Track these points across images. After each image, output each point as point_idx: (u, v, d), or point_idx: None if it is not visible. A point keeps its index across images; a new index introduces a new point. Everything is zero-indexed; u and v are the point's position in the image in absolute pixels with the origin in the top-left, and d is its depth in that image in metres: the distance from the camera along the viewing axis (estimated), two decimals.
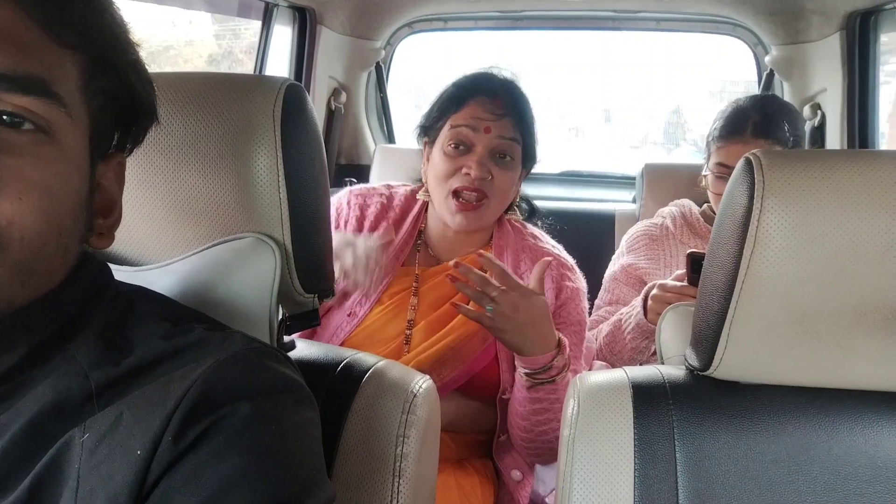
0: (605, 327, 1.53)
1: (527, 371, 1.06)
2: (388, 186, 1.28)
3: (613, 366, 1.56)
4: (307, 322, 0.80)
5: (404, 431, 0.70)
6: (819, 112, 1.85)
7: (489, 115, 1.12)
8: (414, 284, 1.17)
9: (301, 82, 1.89)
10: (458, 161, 1.13)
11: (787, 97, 1.99)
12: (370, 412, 0.72)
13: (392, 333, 1.14)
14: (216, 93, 0.71)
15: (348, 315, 1.15)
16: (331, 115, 2.06)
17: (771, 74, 2.05)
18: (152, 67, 0.61)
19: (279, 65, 1.88)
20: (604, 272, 1.71)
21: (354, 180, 2.15)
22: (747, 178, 0.65)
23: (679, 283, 1.31)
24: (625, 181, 2.39)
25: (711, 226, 1.63)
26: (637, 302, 1.44)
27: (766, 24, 1.95)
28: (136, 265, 0.74)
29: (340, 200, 1.23)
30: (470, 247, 1.22)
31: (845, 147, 1.72)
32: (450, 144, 1.14)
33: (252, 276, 0.70)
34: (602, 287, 1.69)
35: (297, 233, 0.71)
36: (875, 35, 1.66)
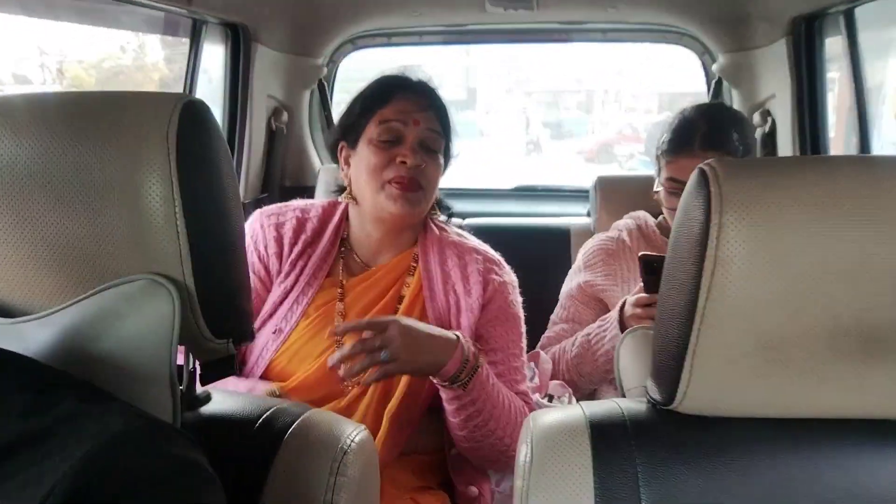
0: (569, 347, 1.46)
1: (444, 385, 1.04)
2: (304, 202, 1.25)
3: (580, 388, 1.49)
4: (222, 370, 0.71)
5: (332, 497, 0.61)
6: (769, 118, 1.83)
7: (416, 107, 1.13)
8: (339, 291, 1.15)
9: (237, 103, 1.79)
10: (390, 152, 1.12)
11: (736, 104, 1.97)
12: (293, 474, 0.63)
13: (320, 348, 1.09)
14: (102, 114, 0.62)
15: (273, 332, 1.11)
16: (272, 135, 1.96)
17: (719, 82, 2.04)
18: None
19: (214, 85, 1.78)
20: (560, 288, 1.65)
21: None
22: (702, 191, 0.58)
23: (647, 295, 1.25)
24: (579, 194, 2.35)
25: (668, 237, 1.59)
26: (611, 318, 1.37)
27: (713, 31, 1.93)
28: (10, 316, 0.64)
29: (253, 225, 1.20)
30: (396, 249, 1.20)
31: (797, 153, 1.70)
32: (381, 138, 1.12)
33: (146, 324, 0.60)
34: (558, 303, 1.62)
35: (201, 270, 0.62)
36: (821, 39, 1.65)
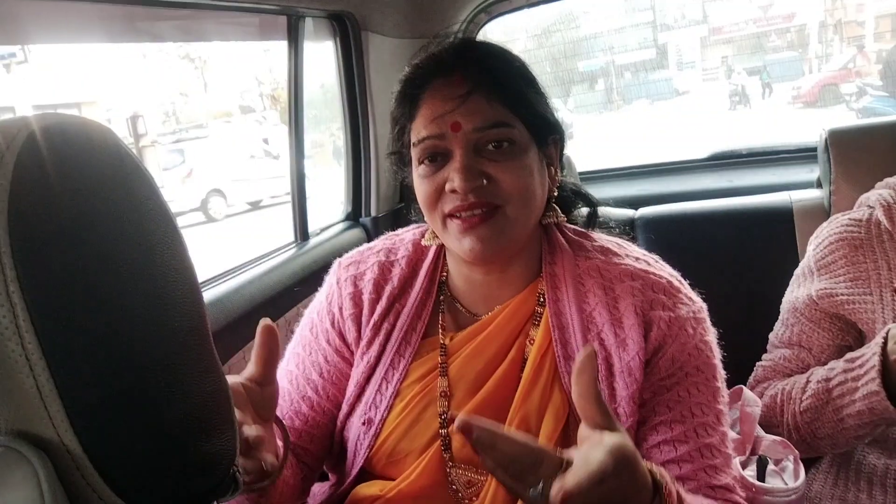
0: (798, 393, 1.01)
1: None
2: (392, 235, 0.97)
3: (815, 449, 1.03)
4: None
5: None
6: None
7: (451, 104, 0.77)
8: (440, 358, 0.84)
9: (356, 104, 1.57)
10: (437, 178, 0.79)
11: None
12: None
13: (423, 440, 0.81)
14: None
15: (363, 424, 0.85)
16: None
17: None
18: None
19: (329, 85, 1.58)
20: (782, 293, 1.18)
21: None
22: None
23: None
24: (802, 155, 1.79)
25: None
26: (865, 360, 0.91)
27: None
28: None
29: (330, 282, 0.94)
30: (512, 287, 0.86)
31: None
32: (421, 164, 0.81)
33: None
34: (779, 319, 1.16)
35: (90, 417, 0.36)
36: None
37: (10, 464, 0.35)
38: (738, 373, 1.14)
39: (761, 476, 0.90)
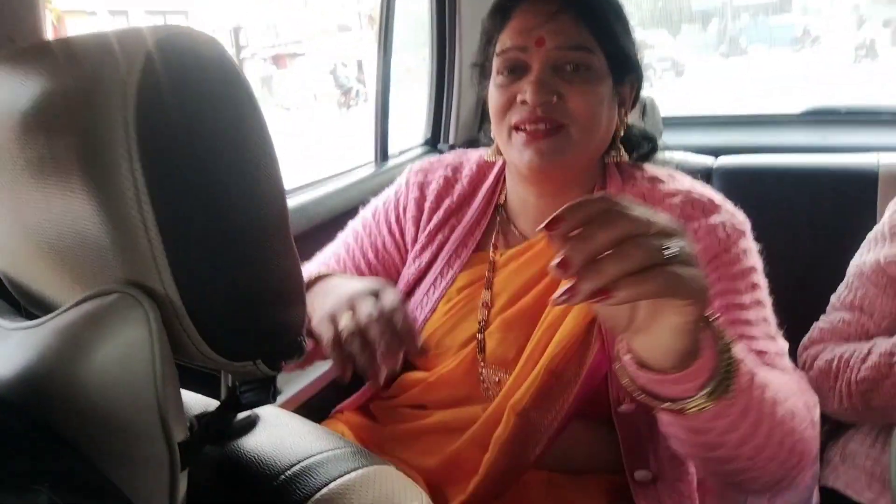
0: (856, 361, 1.00)
1: (669, 400, 0.58)
2: (462, 153, 1.02)
3: (862, 420, 1.04)
4: (260, 395, 0.54)
5: None
6: None
7: (541, 19, 0.81)
8: (487, 274, 0.90)
9: (445, 34, 1.59)
10: (511, 89, 0.83)
11: None
12: None
13: (461, 339, 0.89)
14: (54, 66, 0.47)
15: None
16: None
17: None
18: None
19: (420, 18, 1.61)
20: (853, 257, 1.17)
21: None
22: None
23: None
24: None
25: None
26: None
27: None
28: (40, 308, 0.55)
29: (400, 182, 1.02)
30: None
31: None
32: (499, 74, 0.84)
33: (122, 352, 0.46)
34: (844, 281, 1.15)
35: (190, 277, 0.45)
36: None
37: (130, 306, 0.45)
38: (796, 332, 1.15)
39: None
